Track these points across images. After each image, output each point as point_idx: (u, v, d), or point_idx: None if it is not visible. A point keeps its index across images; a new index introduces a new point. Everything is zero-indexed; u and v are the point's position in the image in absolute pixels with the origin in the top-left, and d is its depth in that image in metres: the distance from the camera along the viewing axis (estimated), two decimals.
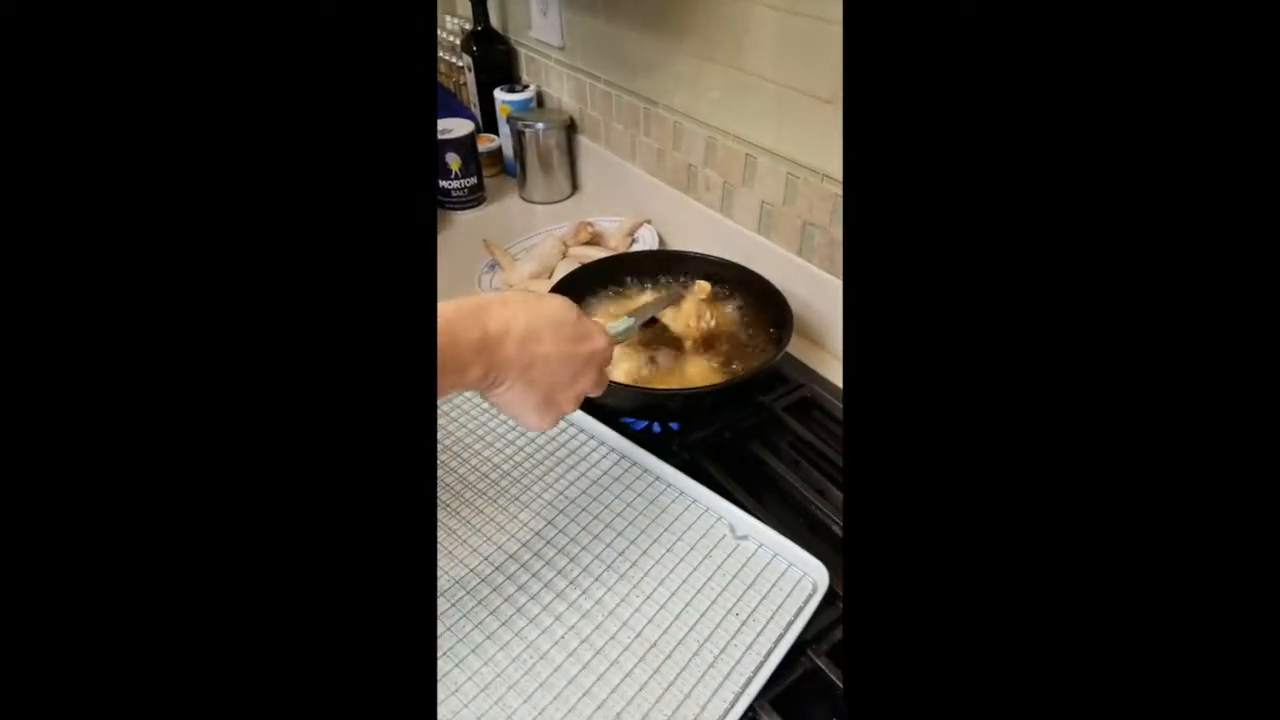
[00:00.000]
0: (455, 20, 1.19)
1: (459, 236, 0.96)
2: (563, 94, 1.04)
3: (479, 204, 1.02)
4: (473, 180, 1.00)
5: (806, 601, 0.47)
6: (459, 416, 0.63)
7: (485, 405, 0.64)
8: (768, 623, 0.46)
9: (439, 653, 0.44)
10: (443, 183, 0.99)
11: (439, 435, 0.61)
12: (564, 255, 0.87)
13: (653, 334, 0.67)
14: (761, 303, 0.69)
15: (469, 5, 1.05)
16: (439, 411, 0.63)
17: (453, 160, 0.97)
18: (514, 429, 0.61)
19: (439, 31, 1.22)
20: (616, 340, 0.52)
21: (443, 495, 0.55)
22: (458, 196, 1.00)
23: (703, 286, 0.72)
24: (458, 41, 1.15)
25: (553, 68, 1.04)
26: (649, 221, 0.93)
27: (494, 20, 1.08)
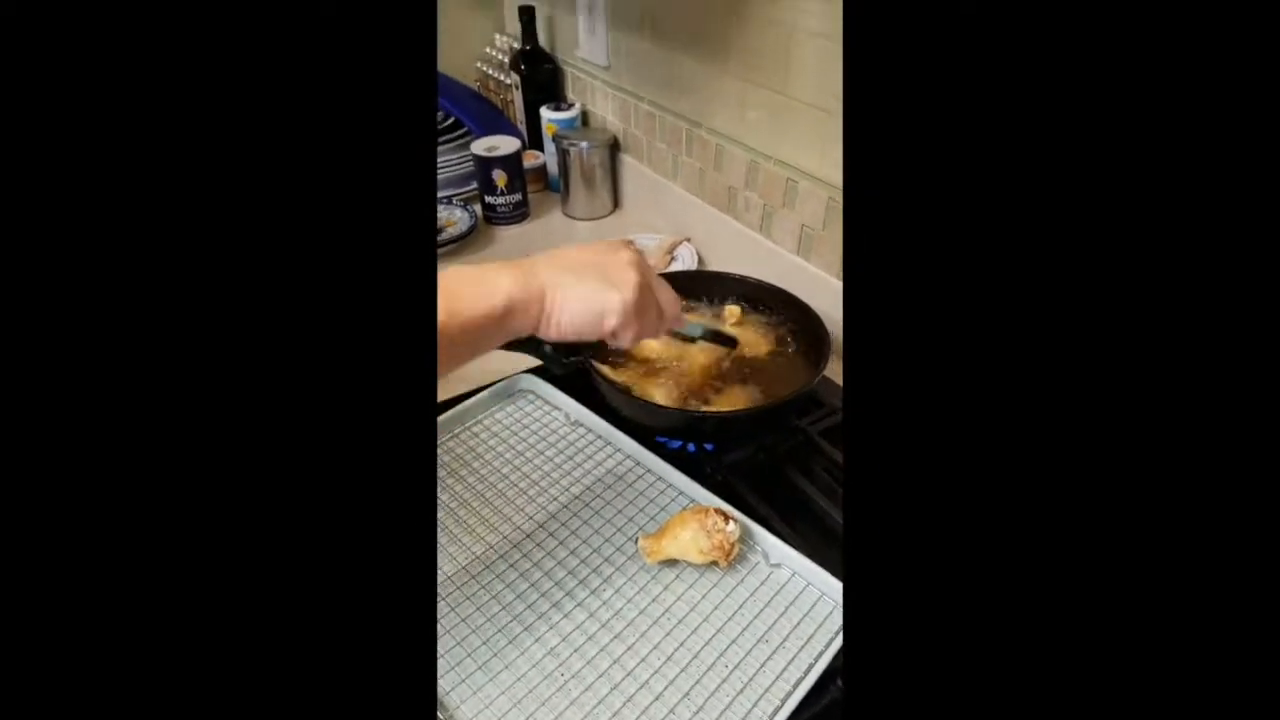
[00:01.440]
0: (504, 39, 1.22)
1: (502, 251, 0.99)
2: (607, 113, 1.06)
3: (523, 219, 1.05)
4: (518, 196, 1.02)
5: (838, 632, 0.47)
6: (492, 425, 0.64)
7: (520, 420, 0.65)
8: (799, 652, 0.46)
9: (465, 653, 0.46)
10: (488, 198, 1.01)
11: (474, 447, 0.62)
12: None
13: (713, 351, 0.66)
14: (800, 326, 0.69)
15: (518, 24, 1.07)
16: (472, 435, 0.65)
17: (499, 177, 0.99)
18: (545, 440, 0.63)
19: (488, 49, 1.25)
20: (682, 333, 0.56)
21: (477, 508, 0.57)
22: (503, 212, 1.02)
23: (731, 311, 0.72)
24: (506, 60, 1.18)
25: (598, 87, 1.05)
26: (688, 240, 0.94)
27: (542, 40, 1.11)
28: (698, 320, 0.61)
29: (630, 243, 0.48)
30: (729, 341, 0.64)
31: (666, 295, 0.48)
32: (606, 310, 0.42)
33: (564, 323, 0.41)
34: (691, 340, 0.62)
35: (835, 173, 0.71)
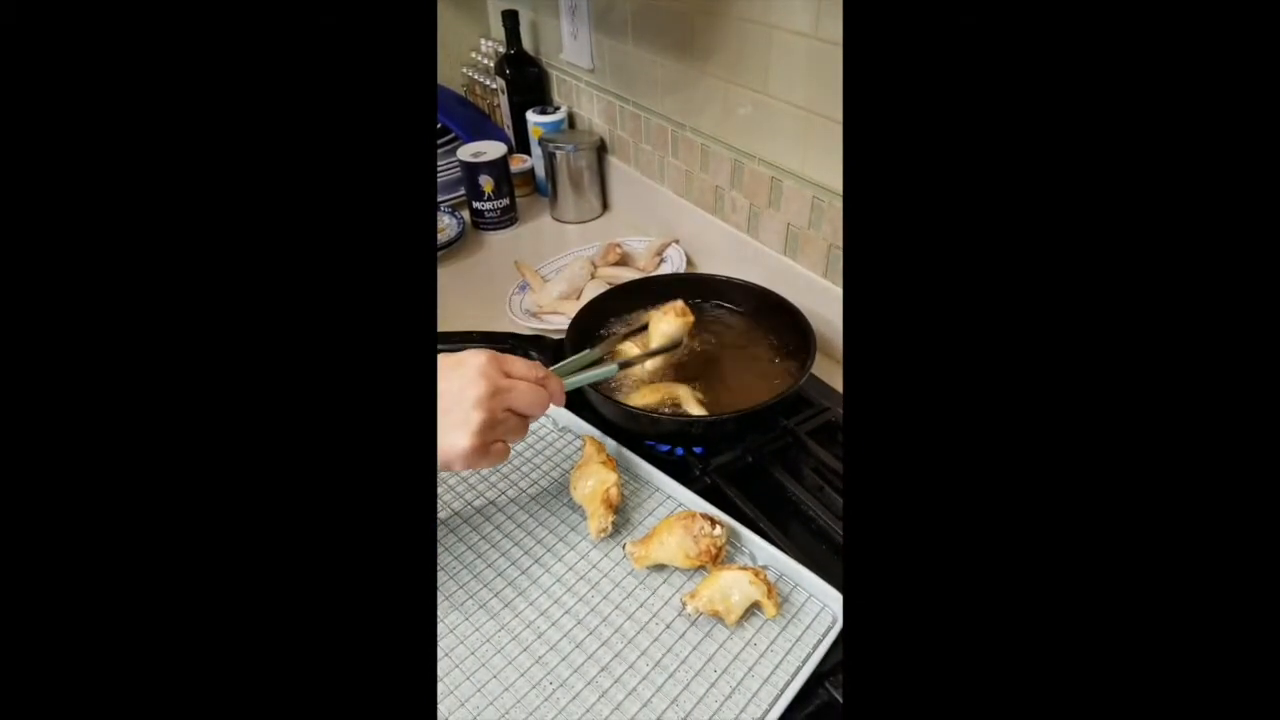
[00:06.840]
0: (489, 43, 1.22)
1: (492, 256, 0.99)
2: (593, 115, 1.06)
3: (511, 224, 1.05)
4: (505, 201, 1.02)
5: (826, 633, 0.47)
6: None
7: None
8: (785, 655, 0.46)
9: (453, 664, 0.46)
10: (476, 204, 1.01)
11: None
12: (593, 276, 0.88)
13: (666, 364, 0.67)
14: (786, 327, 0.69)
15: (502, 29, 1.07)
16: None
17: (486, 182, 0.99)
18: (533, 448, 0.63)
19: (473, 54, 1.25)
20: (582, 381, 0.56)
21: (467, 516, 0.57)
22: (490, 217, 1.02)
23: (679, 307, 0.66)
24: (491, 64, 1.17)
25: (583, 89, 1.05)
26: (677, 241, 0.94)
27: (526, 44, 1.10)
28: (588, 371, 0.57)
29: (476, 352, 0.45)
30: (670, 348, 0.64)
31: (522, 395, 0.45)
32: (448, 460, 0.43)
33: None
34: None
35: (819, 172, 0.70)
